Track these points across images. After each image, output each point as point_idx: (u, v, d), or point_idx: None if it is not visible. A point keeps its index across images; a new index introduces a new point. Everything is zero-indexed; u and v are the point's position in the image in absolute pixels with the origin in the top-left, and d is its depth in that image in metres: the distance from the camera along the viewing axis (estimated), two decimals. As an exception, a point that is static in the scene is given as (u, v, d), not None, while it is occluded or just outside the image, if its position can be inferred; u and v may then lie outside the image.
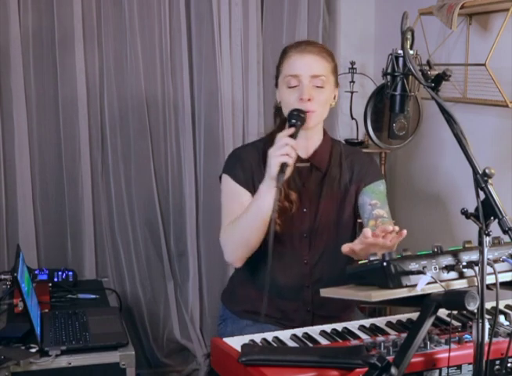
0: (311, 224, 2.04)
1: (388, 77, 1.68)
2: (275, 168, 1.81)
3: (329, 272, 2.04)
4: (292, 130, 1.87)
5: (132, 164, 3.16)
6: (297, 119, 1.91)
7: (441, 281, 1.40)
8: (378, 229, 1.66)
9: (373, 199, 2.07)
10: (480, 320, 1.34)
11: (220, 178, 2.17)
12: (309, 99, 1.94)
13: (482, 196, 1.39)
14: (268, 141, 2.10)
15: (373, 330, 1.67)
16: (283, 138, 1.84)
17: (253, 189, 2.04)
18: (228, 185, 2.08)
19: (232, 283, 2.27)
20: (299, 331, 1.67)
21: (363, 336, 1.62)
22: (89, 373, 2.14)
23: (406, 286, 1.38)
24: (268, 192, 1.86)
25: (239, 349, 1.49)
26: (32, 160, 3.03)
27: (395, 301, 1.41)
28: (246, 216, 1.94)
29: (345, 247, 1.70)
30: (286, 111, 2.01)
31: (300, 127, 1.90)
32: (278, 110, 2.12)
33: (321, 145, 2.09)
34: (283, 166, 1.81)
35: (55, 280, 2.77)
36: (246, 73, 3.23)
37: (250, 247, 1.97)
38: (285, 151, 1.81)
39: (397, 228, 1.65)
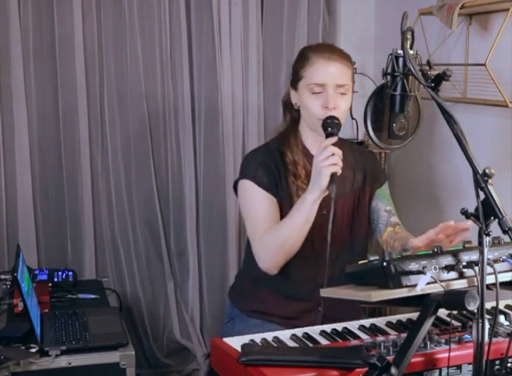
0: (331, 225, 2.04)
1: (388, 77, 1.69)
2: (326, 178, 1.81)
3: (342, 271, 2.03)
4: (335, 139, 1.88)
5: (132, 164, 3.16)
6: (333, 126, 1.91)
7: (441, 281, 1.40)
8: (460, 224, 1.69)
9: (387, 205, 2.14)
10: (480, 320, 1.34)
11: (235, 184, 2.14)
12: (334, 108, 1.95)
13: (482, 196, 1.39)
14: (283, 141, 2.10)
15: (373, 330, 1.67)
16: (329, 147, 1.84)
17: (277, 192, 2.04)
18: (253, 191, 2.05)
19: (240, 281, 2.26)
20: (299, 331, 1.67)
21: (363, 336, 1.62)
22: (89, 373, 2.14)
23: (406, 286, 1.38)
24: (316, 202, 1.87)
25: (239, 349, 1.49)
26: (32, 159, 3.03)
27: (395, 301, 1.41)
28: (290, 225, 1.93)
29: (417, 242, 1.74)
30: (306, 115, 2.02)
31: (338, 133, 1.91)
32: (287, 105, 2.12)
33: None
34: (333, 176, 1.82)
35: (55, 280, 2.77)
36: (246, 73, 3.23)
37: (290, 254, 1.97)
38: (334, 161, 1.82)
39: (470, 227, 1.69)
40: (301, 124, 2.11)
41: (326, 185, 1.82)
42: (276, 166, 2.06)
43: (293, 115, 2.12)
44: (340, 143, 2.11)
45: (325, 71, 1.97)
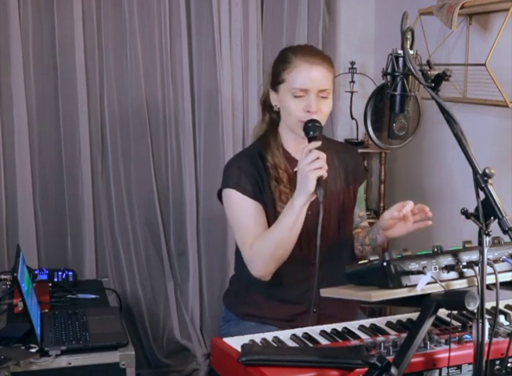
0: (316, 225, 2.04)
1: (388, 77, 1.68)
2: (312, 182, 1.81)
3: (333, 271, 2.03)
4: (319, 143, 1.87)
5: (132, 164, 3.16)
6: (315, 130, 1.91)
7: (441, 281, 1.40)
8: (418, 206, 1.91)
9: (361, 210, 2.20)
10: (480, 320, 1.34)
11: (219, 192, 2.12)
12: (316, 111, 1.95)
13: (482, 196, 1.39)
14: (263, 145, 2.09)
15: (373, 330, 1.67)
16: (313, 152, 1.84)
17: (261, 198, 2.03)
18: (238, 200, 2.03)
19: (234, 286, 2.25)
20: (299, 331, 1.67)
21: (363, 336, 1.62)
22: (89, 373, 2.14)
23: (406, 286, 1.38)
24: (304, 207, 1.87)
25: (239, 349, 1.50)
26: (32, 160, 3.03)
27: (395, 301, 1.41)
28: (281, 231, 1.92)
29: (386, 214, 1.92)
30: (287, 117, 2.02)
31: (320, 136, 1.91)
32: (266, 106, 2.11)
33: None
34: (320, 179, 1.82)
35: (55, 280, 2.77)
36: (246, 73, 3.24)
37: (282, 260, 1.97)
38: (319, 165, 1.82)
39: (430, 214, 1.91)
40: (280, 126, 2.10)
41: (313, 189, 1.82)
42: (258, 171, 2.05)
43: (272, 116, 2.11)
44: (323, 142, 2.10)
45: (308, 76, 1.96)
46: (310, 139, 1.90)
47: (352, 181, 2.15)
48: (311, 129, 1.91)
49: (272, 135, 2.09)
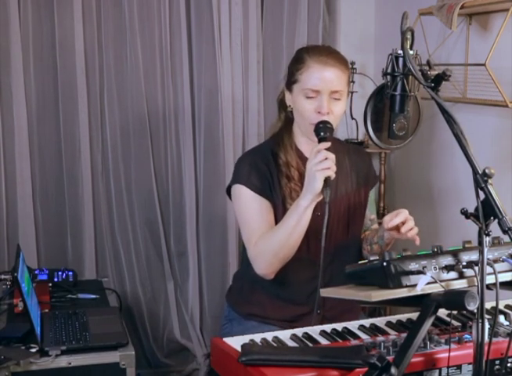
0: (325, 230, 2.03)
1: (388, 77, 1.69)
2: (319, 182, 1.81)
3: (339, 273, 2.03)
4: (328, 144, 1.87)
5: (132, 164, 3.16)
6: (325, 131, 1.91)
7: (441, 281, 1.40)
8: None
9: (372, 213, 2.20)
10: (480, 320, 1.34)
11: (228, 188, 2.13)
12: (327, 113, 1.95)
13: (482, 196, 1.39)
14: (277, 143, 2.09)
15: (373, 330, 1.67)
16: (322, 152, 1.83)
17: (270, 196, 2.03)
18: (247, 196, 2.04)
19: (238, 284, 2.25)
20: (299, 331, 1.67)
21: (363, 336, 1.62)
22: (89, 373, 2.14)
23: (406, 286, 1.38)
24: (309, 207, 1.87)
25: (239, 349, 1.50)
26: (32, 159, 3.03)
27: (395, 301, 1.41)
28: (285, 230, 1.92)
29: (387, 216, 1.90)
30: (299, 119, 2.02)
31: (331, 137, 1.91)
32: (282, 105, 2.12)
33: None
34: (327, 180, 1.81)
35: (55, 280, 2.77)
36: (246, 72, 3.23)
37: (285, 259, 1.97)
38: (327, 165, 1.81)
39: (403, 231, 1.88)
40: (295, 126, 2.10)
41: (319, 189, 1.81)
42: (269, 168, 2.05)
43: (288, 115, 2.12)
44: (335, 145, 2.10)
45: (320, 77, 1.95)
46: (320, 140, 1.90)
47: (364, 184, 2.15)
48: (322, 130, 1.91)
49: (287, 134, 2.10)
